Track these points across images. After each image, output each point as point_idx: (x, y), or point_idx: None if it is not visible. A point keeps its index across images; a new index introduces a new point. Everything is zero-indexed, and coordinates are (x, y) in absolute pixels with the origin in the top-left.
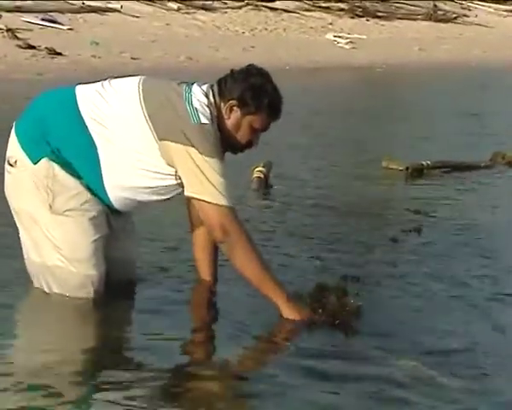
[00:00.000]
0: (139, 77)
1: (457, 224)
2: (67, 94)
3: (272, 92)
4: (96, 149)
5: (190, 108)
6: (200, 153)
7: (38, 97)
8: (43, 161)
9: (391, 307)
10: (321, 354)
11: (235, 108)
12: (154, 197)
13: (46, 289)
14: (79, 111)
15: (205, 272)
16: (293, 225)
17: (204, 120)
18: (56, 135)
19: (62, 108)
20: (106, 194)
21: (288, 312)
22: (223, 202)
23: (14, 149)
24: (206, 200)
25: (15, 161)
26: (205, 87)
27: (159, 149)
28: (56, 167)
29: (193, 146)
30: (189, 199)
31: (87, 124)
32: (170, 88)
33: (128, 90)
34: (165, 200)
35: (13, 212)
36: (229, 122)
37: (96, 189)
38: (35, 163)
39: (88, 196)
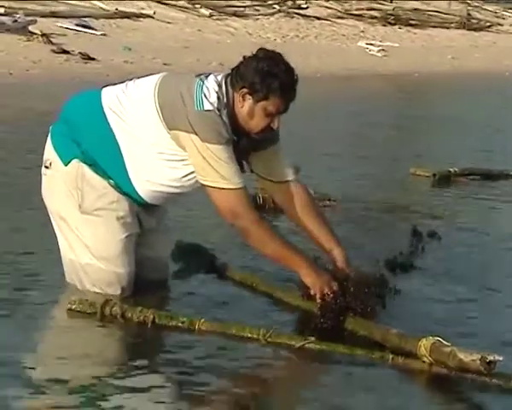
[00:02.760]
0: (163, 73)
1: (473, 231)
2: (94, 95)
3: (282, 74)
4: (119, 145)
5: (197, 95)
6: (202, 139)
7: (69, 101)
8: (74, 162)
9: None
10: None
11: (247, 95)
12: (179, 188)
13: (79, 287)
14: (103, 110)
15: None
16: None
17: (208, 107)
18: (84, 135)
19: (88, 109)
20: (134, 189)
21: (309, 280)
22: (227, 185)
23: (48, 151)
24: (211, 185)
25: (50, 163)
26: (220, 77)
27: (171, 139)
28: (85, 168)
29: (195, 133)
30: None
31: (109, 120)
32: (184, 80)
33: (147, 84)
34: (193, 190)
35: (49, 213)
36: (243, 110)
37: (124, 185)
38: (66, 164)
39: (116, 195)
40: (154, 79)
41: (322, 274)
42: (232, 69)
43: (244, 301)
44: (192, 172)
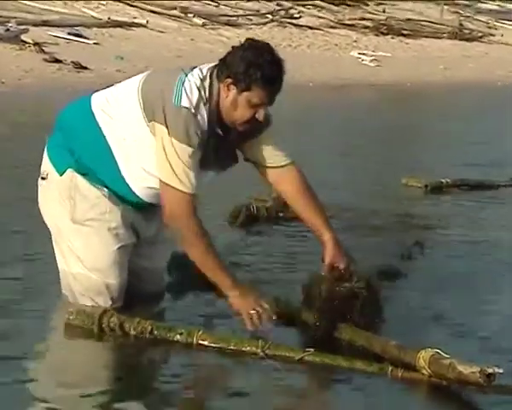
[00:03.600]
0: (149, 70)
1: (466, 241)
2: (84, 100)
3: (265, 64)
4: (109, 145)
5: (178, 88)
6: (169, 134)
7: (62, 109)
8: (68, 172)
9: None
10: None
11: (231, 85)
12: None
13: (71, 299)
14: (92, 111)
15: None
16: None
17: (184, 103)
18: (76, 141)
19: (79, 113)
20: (129, 188)
21: (233, 299)
22: (177, 185)
23: (44, 162)
24: (163, 180)
25: (47, 174)
26: (205, 70)
27: (150, 131)
28: (79, 177)
29: (166, 126)
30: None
31: (98, 120)
32: (168, 74)
33: (133, 81)
34: None
35: (46, 224)
36: (227, 100)
37: (118, 187)
38: (61, 174)
39: (109, 206)
40: (140, 76)
41: (247, 295)
42: (219, 60)
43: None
44: None
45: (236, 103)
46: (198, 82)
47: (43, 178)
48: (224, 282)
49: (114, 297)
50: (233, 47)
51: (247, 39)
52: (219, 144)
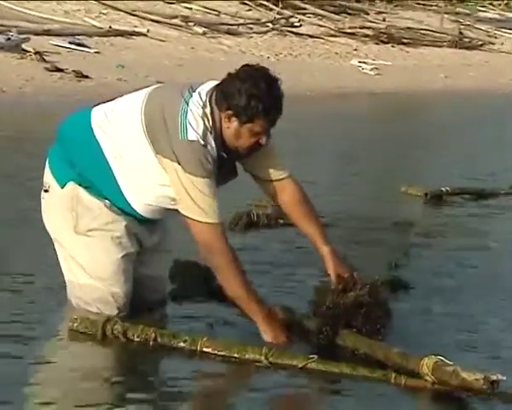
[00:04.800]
0: (149, 89)
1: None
2: (84, 114)
3: (264, 95)
4: (109, 163)
5: (182, 121)
6: (184, 170)
7: (62, 121)
8: (69, 185)
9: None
10: None
11: (232, 117)
12: (173, 201)
13: (76, 307)
14: (92, 128)
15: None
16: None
17: (192, 137)
18: (76, 155)
19: (79, 128)
20: (130, 205)
21: (264, 332)
22: (205, 219)
23: (46, 175)
24: (189, 216)
25: (49, 187)
26: (204, 95)
27: (158, 163)
28: (81, 190)
29: (178, 163)
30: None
31: (98, 138)
32: (170, 97)
33: (133, 103)
34: None
35: (51, 236)
36: (230, 131)
37: (119, 202)
38: (62, 187)
39: (111, 216)
40: (141, 96)
41: (275, 327)
42: (217, 85)
43: (244, 321)
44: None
45: (239, 134)
46: (200, 111)
47: (45, 191)
48: (257, 315)
49: (120, 306)
50: (229, 74)
51: (242, 67)
52: (222, 164)
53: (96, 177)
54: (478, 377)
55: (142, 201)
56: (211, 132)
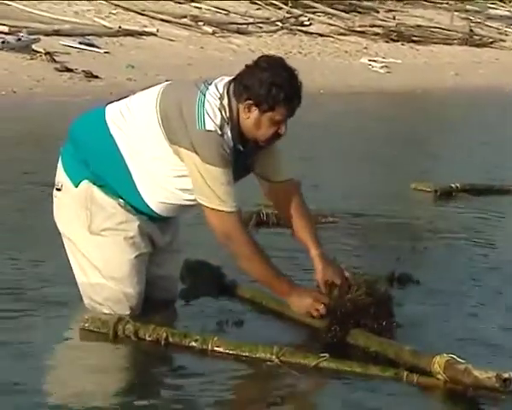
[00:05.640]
0: (164, 83)
1: (473, 245)
2: (98, 112)
3: (285, 83)
4: (124, 159)
5: (199, 111)
6: (202, 160)
7: (74, 120)
8: (84, 183)
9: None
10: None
11: (252, 107)
12: (188, 194)
13: (89, 307)
14: (107, 125)
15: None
16: None
17: (209, 127)
18: (91, 153)
19: (93, 126)
20: (145, 203)
21: (293, 306)
22: (223, 207)
23: (59, 174)
24: (207, 205)
25: (61, 186)
26: (221, 87)
27: (173, 153)
28: (95, 188)
29: (196, 153)
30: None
31: (113, 134)
32: (186, 90)
33: (149, 97)
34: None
35: (62, 236)
36: (250, 121)
37: (134, 201)
38: (76, 186)
39: (125, 216)
40: (155, 91)
41: (304, 296)
42: (234, 78)
43: (255, 320)
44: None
45: (260, 124)
46: (217, 102)
47: (58, 190)
48: (281, 289)
49: (133, 306)
50: (247, 66)
51: (261, 57)
52: (238, 158)
53: (111, 174)
54: (490, 375)
55: (158, 198)
56: (228, 123)
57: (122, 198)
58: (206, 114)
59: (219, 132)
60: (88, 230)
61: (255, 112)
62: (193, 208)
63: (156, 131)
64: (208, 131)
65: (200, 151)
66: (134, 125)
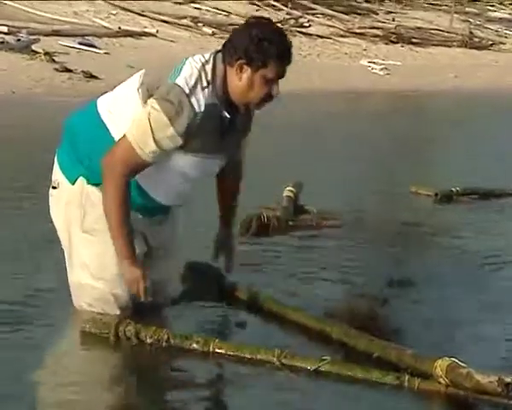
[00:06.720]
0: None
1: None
2: (89, 106)
3: (277, 39)
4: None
5: (177, 68)
6: (158, 103)
7: (67, 119)
8: (79, 181)
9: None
10: None
11: (244, 66)
12: (185, 170)
13: (77, 307)
14: (98, 111)
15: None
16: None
17: (179, 82)
18: (84, 147)
19: (86, 119)
20: (142, 190)
21: (123, 268)
22: (137, 149)
23: (55, 172)
24: (128, 136)
25: (58, 184)
26: (208, 55)
27: None
28: (90, 186)
29: (156, 99)
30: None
31: (105, 121)
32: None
33: (134, 78)
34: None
35: (58, 232)
36: (242, 82)
37: (131, 190)
38: (73, 183)
39: None
40: (137, 76)
41: (135, 271)
42: (224, 44)
43: (256, 322)
44: (190, 158)
45: (253, 83)
46: (198, 65)
47: (54, 188)
48: (121, 249)
49: (122, 307)
50: (235, 29)
51: (250, 18)
52: (225, 129)
53: None
54: (492, 380)
55: (156, 181)
56: (204, 88)
57: None
58: (181, 71)
59: (187, 91)
60: (81, 228)
61: (247, 71)
62: (186, 196)
63: (135, 99)
64: (175, 84)
65: (159, 94)
66: (123, 110)
